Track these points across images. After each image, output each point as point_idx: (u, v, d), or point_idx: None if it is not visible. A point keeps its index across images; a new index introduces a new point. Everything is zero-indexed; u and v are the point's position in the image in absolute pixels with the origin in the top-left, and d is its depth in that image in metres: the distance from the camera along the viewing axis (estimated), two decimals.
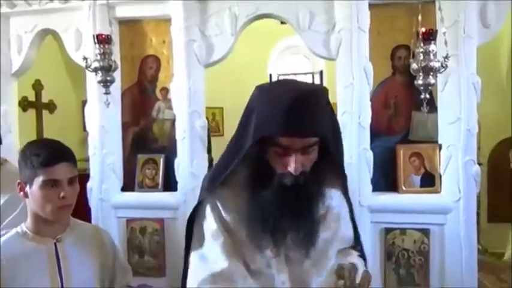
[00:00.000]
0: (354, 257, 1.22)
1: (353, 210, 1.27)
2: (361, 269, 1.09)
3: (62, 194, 1.28)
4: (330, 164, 1.14)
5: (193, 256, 1.15)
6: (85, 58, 2.08)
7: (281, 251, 1.10)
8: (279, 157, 1.04)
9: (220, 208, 1.14)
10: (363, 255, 1.27)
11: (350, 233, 1.24)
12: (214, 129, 5.44)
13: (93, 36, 2.08)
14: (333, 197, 1.18)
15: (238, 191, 1.12)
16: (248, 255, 1.12)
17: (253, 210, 1.08)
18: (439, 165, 2.24)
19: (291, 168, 1.02)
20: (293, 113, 0.98)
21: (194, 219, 1.20)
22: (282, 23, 2.66)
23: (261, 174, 1.08)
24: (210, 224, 1.14)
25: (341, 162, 1.21)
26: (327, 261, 1.16)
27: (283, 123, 0.99)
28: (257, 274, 1.12)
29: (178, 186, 2.41)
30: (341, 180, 1.21)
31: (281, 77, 6.06)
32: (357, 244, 1.27)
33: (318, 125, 1.02)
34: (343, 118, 2.24)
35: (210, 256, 1.12)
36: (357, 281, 1.00)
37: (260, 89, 1.10)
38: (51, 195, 1.28)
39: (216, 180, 1.14)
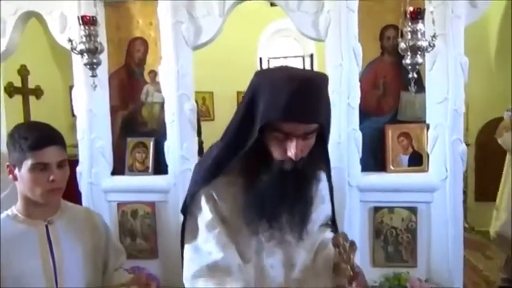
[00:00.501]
0: (329, 233, 1.27)
1: (333, 190, 1.30)
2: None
3: (51, 178, 1.28)
4: (323, 148, 1.16)
5: (188, 248, 1.16)
6: (70, 40, 2.05)
7: (275, 235, 1.12)
8: (279, 142, 1.04)
9: (216, 198, 1.14)
10: (335, 231, 1.31)
11: (330, 212, 1.29)
12: (204, 113, 5.42)
13: (78, 17, 2.05)
14: (322, 180, 1.22)
15: (232, 179, 1.12)
16: (243, 244, 1.13)
17: (249, 197, 1.09)
18: (427, 144, 2.27)
19: (292, 153, 1.03)
20: (297, 98, 0.99)
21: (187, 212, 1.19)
22: (272, 5, 2.64)
23: (259, 160, 1.07)
24: (205, 215, 1.14)
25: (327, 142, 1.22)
26: (312, 240, 1.21)
27: (287, 108, 0.99)
28: (249, 261, 1.14)
29: (169, 169, 2.41)
30: (325, 162, 1.23)
31: (272, 61, 6.04)
32: (333, 220, 1.33)
33: (320, 112, 1.03)
34: (332, 98, 2.22)
35: (205, 248, 1.12)
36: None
37: (261, 75, 1.09)
38: (41, 179, 1.28)
39: (218, 171, 1.12)
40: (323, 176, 1.23)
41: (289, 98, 0.98)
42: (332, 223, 1.33)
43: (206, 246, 1.13)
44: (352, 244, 1.05)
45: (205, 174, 1.15)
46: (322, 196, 1.23)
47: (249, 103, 1.07)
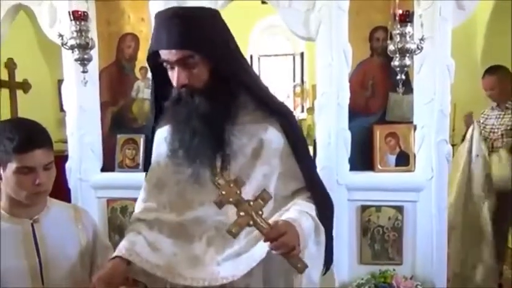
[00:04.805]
0: (298, 199, 1.24)
1: (298, 147, 1.26)
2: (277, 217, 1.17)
3: (37, 181, 1.25)
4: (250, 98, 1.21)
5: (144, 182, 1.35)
6: (60, 35, 2.03)
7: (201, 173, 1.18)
8: (171, 74, 1.15)
9: (163, 133, 1.26)
10: (324, 201, 1.32)
11: (293, 167, 1.24)
12: None
13: (69, 12, 2.03)
14: (268, 132, 1.21)
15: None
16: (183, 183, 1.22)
17: (172, 130, 1.22)
18: (414, 145, 2.31)
19: (175, 81, 1.14)
20: (161, 29, 1.12)
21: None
22: (263, 2, 2.64)
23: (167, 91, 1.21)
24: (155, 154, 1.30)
25: (263, 97, 1.23)
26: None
27: (155, 39, 1.15)
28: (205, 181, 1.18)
29: None
30: (275, 117, 1.22)
31: (262, 58, 6.05)
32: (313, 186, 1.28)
33: (188, 40, 1.10)
34: (322, 98, 2.27)
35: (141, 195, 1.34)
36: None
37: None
38: (26, 182, 1.25)
39: (159, 107, 1.26)
40: (269, 128, 1.21)
41: (157, 30, 1.14)
42: (309, 185, 1.27)
43: (143, 193, 1.34)
44: (258, 199, 1.06)
45: (153, 113, 1.30)
46: (275, 150, 1.21)
47: None
